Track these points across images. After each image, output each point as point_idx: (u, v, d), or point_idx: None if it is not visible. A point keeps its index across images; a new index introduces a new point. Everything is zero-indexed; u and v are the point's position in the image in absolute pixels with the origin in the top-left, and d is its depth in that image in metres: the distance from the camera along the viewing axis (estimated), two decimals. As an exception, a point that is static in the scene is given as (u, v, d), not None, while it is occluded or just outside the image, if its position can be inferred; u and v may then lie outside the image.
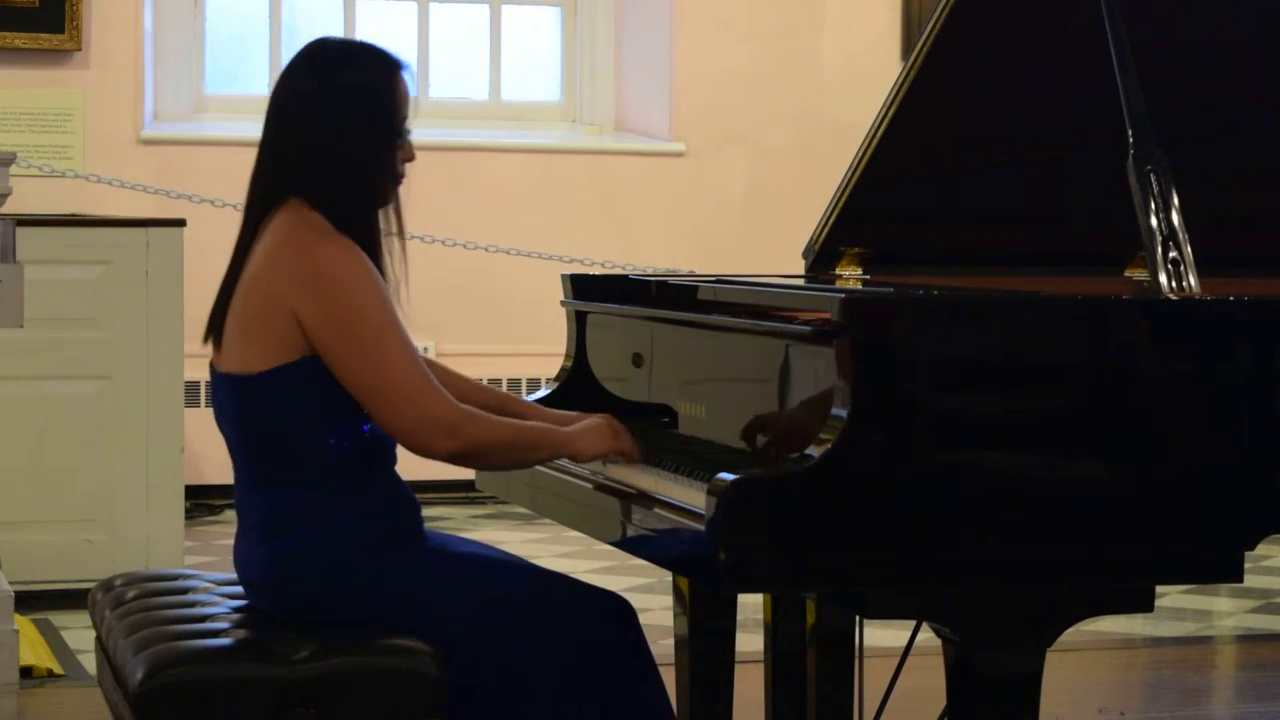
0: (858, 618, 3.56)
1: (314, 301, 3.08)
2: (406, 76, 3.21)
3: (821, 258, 3.85)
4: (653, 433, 3.39)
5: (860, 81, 8.40)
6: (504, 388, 8.18)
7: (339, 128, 3.15)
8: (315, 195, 3.16)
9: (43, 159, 7.77)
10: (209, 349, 3.24)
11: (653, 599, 5.84)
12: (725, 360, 3.31)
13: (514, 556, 3.32)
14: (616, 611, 3.16)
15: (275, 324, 3.11)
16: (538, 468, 3.50)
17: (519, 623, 3.09)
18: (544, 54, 8.97)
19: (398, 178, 3.21)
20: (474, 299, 8.22)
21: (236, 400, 3.18)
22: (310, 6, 8.73)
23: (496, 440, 3.15)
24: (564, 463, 3.42)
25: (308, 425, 3.13)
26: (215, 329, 3.21)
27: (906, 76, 3.66)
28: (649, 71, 8.90)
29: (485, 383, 3.58)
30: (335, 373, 3.09)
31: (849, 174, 3.76)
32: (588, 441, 3.23)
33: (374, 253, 3.17)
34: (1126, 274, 3.91)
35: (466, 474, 3.88)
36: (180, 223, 6.25)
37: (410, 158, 3.22)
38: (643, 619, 3.22)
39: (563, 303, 3.87)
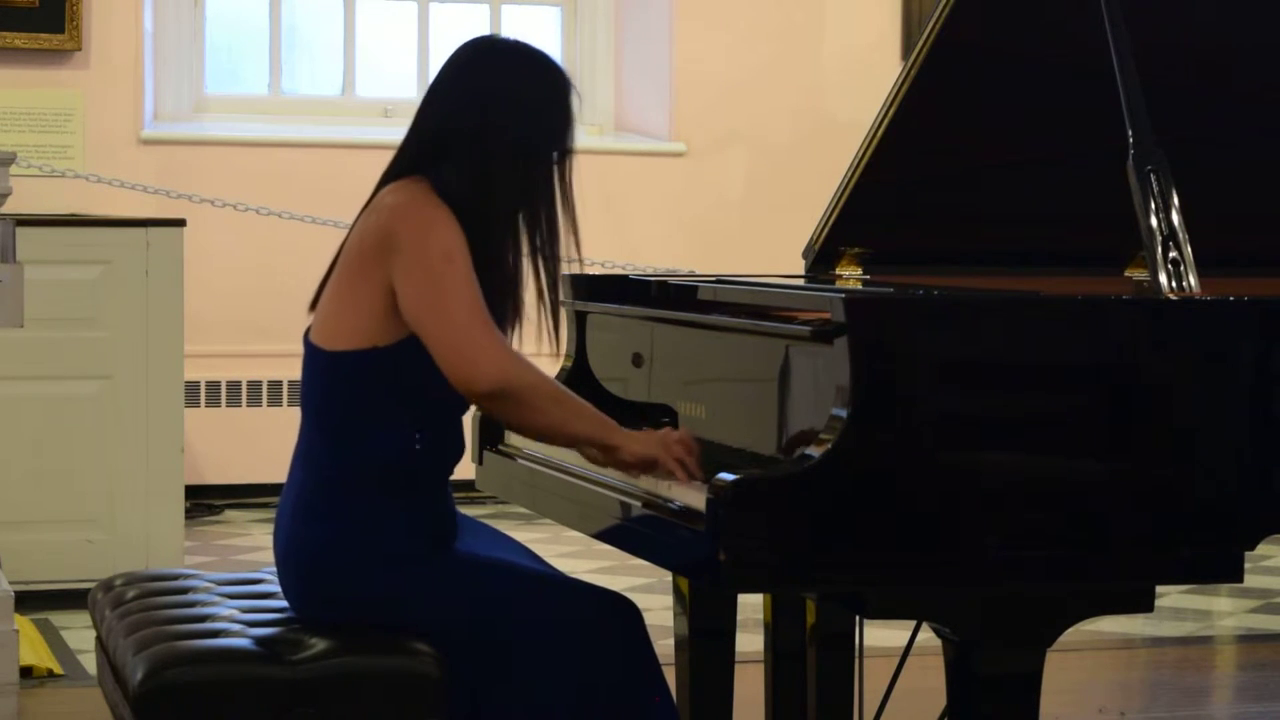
0: (858, 618, 3.56)
1: (388, 245, 3.07)
2: (575, 99, 3.20)
3: (821, 258, 3.85)
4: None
5: (860, 81, 8.39)
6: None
7: (504, 123, 3.13)
8: (443, 177, 3.14)
9: (43, 159, 7.77)
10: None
11: (653, 599, 5.83)
12: (725, 360, 3.31)
13: (522, 557, 3.32)
14: (622, 612, 3.16)
15: (359, 291, 3.11)
16: (538, 467, 3.50)
17: (523, 624, 3.09)
18: (544, 54, 8.96)
19: (537, 190, 3.17)
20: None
21: (311, 367, 3.19)
22: (310, 6, 8.73)
23: (543, 389, 3.09)
24: (563, 462, 3.42)
25: (360, 420, 3.12)
26: (317, 298, 3.23)
27: (906, 76, 3.66)
28: (649, 71, 8.90)
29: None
30: (402, 306, 3.07)
31: (849, 174, 3.76)
32: (639, 441, 3.13)
33: (481, 247, 3.13)
34: (1126, 274, 3.91)
35: (467, 473, 3.88)
36: (180, 223, 6.25)
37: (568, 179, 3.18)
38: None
39: (562, 303, 3.86)
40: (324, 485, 3.15)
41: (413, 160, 3.19)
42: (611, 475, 3.24)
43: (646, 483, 3.14)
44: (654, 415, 3.49)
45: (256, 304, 8.01)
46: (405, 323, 3.10)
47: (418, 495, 3.16)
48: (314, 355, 3.19)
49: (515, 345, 3.15)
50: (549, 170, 3.17)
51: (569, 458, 3.42)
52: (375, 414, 3.13)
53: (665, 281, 3.67)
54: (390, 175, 3.21)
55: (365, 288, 3.12)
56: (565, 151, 3.19)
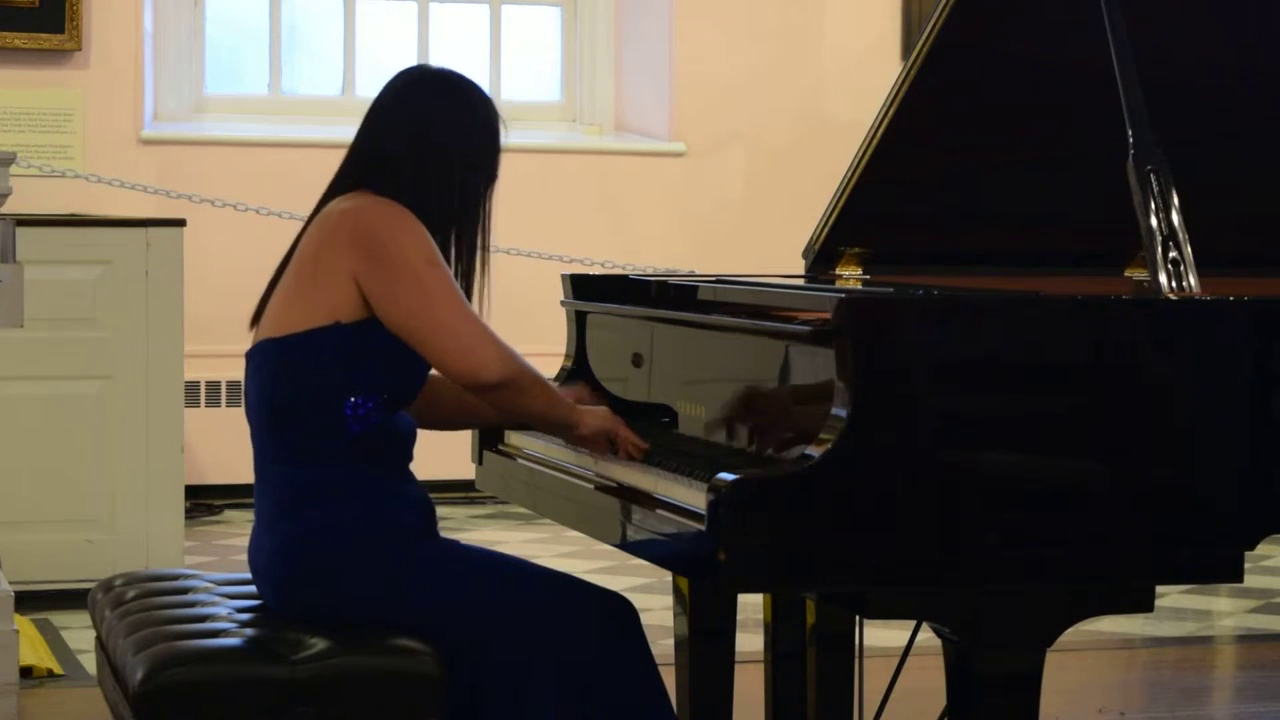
0: (858, 618, 3.56)
1: (360, 246, 3.14)
2: (503, 128, 3.32)
3: (821, 258, 3.85)
4: (653, 433, 3.39)
5: (860, 81, 8.39)
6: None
7: (440, 148, 3.23)
8: (392, 192, 3.21)
9: (43, 159, 7.77)
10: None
11: (653, 599, 5.83)
12: (725, 360, 3.31)
13: (517, 558, 3.32)
14: (619, 612, 3.17)
15: (319, 283, 3.16)
16: (538, 467, 3.50)
17: (522, 622, 3.09)
18: (544, 54, 8.97)
19: (475, 207, 3.29)
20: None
21: (264, 366, 3.21)
22: (310, 6, 8.73)
23: (533, 374, 3.21)
24: (563, 462, 3.42)
25: (326, 394, 3.15)
26: (259, 312, 3.28)
27: (906, 76, 3.66)
28: (649, 71, 8.90)
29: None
30: (386, 314, 3.14)
31: (849, 174, 3.76)
32: (591, 417, 3.28)
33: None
34: (1126, 274, 3.91)
35: (467, 473, 3.88)
36: (180, 223, 6.26)
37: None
38: (643, 619, 3.22)
39: (563, 303, 3.87)
40: (288, 479, 3.17)
41: (355, 178, 3.27)
42: (611, 474, 3.25)
43: (648, 481, 3.14)
44: (654, 415, 3.49)
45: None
46: (364, 308, 3.15)
47: (382, 476, 3.18)
48: (264, 352, 3.22)
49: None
50: (482, 192, 3.29)
51: (569, 457, 3.43)
52: (330, 392, 3.16)
53: (665, 281, 3.67)
54: (334, 192, 3.28)
55: (324, 283, 3.16)
56: (493, 177, 3.30)
